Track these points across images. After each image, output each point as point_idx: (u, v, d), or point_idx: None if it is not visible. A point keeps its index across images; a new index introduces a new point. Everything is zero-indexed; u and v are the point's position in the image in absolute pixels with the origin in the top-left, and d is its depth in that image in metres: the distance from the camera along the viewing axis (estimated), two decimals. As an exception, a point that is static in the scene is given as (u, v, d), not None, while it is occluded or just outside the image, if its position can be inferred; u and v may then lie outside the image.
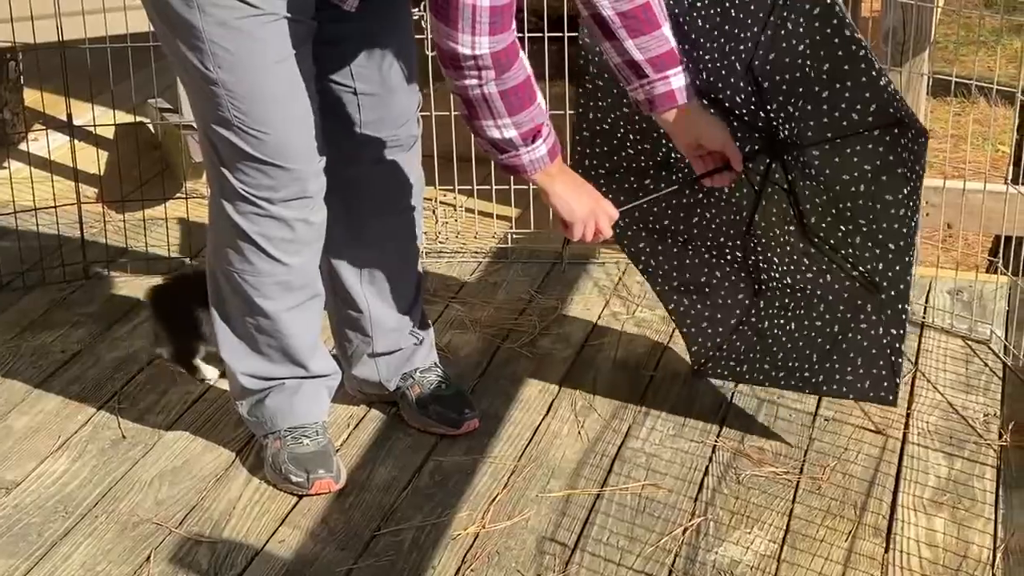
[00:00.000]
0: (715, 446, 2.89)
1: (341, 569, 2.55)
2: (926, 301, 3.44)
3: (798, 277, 2.83)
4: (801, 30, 2.52)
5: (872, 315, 2.72)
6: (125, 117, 4.19)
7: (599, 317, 3.45)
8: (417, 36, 3.55)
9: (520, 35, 3.66)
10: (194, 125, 2.72)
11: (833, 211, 2.66)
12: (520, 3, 3.70)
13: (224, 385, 2.98)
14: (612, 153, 2.97)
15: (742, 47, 2.62)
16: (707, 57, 2.68)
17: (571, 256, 3.76)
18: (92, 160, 4.07)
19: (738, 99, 2.68)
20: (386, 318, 2.92)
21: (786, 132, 2.65)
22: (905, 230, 2.56)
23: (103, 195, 4.07)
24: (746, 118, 2.70)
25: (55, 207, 3.81)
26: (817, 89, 2.53)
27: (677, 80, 2.62)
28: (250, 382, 2.79)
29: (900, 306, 2.63)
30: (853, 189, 2.60)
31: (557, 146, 2.54)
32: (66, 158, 3.82)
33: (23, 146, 4.49)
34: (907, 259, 2.59)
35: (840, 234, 2.68)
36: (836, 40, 2.48)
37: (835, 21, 2.48)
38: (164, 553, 2.60)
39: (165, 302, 3.16)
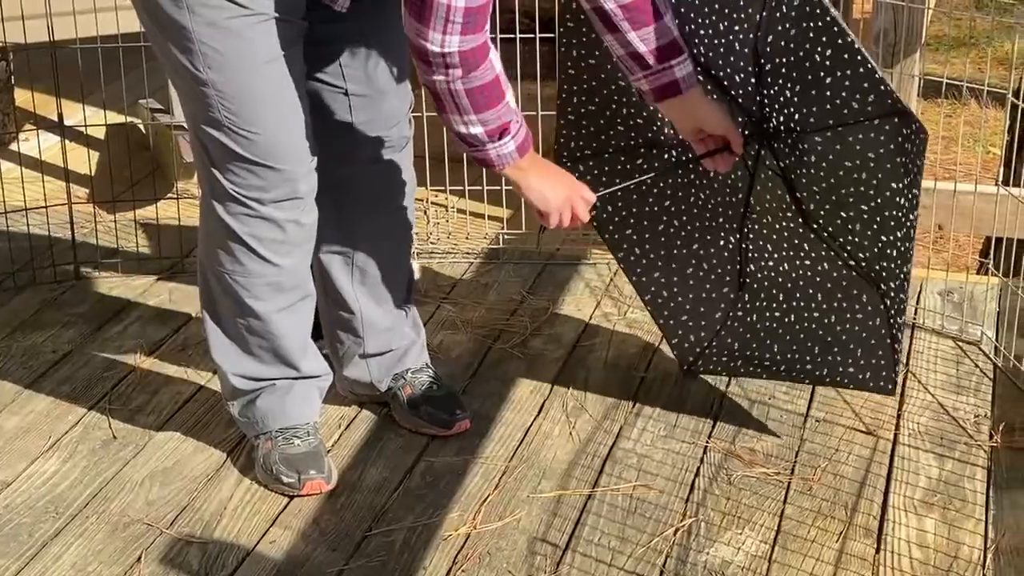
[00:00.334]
0: (706, 447, 2.89)
1: (332, 570, 2.55)
2: (917, 302, 3.44)
3: (796, 264, 2.82)
4: (793, 14, 2.52)
5: (868, 305, 2.72)
6: (116, 117, 4.18)
7: (590, 318, 3.45)
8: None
9: (511, 36, 3.70)
10: (185, 126, 2.72)
11: (833, 198, 2.66)
12: (512, 4, 3.72)
13: (215, 386, 2.98)
14: (599, 134, 2.96)
15: (737, 27, 2.61)
16: (705, 33, 2.67)
17: (562, 256, 3.76)
18: (83, 160, 4.07)
19: (736, 79, 2.68)
20: (377, 319, 2.92)
21: (781, 119, 2.64)
22: (904, 220, 2.56)
23: (94, 195, 4.06)
24: (740, 100, 2.70)
25: (46, 207, 3.80)
26: (822, 75, 2.52)
27: (681, 70, 2.64)
28: (241, 383, 2.79)
29: (899, 296, 2.64)
30: (855, 176, 2.60)
31: (528, 141, 2.55)
32: (57, 158, 3.82)
33: (13, 146, 4.48)
34: (905, 249, 2.59)
35: (839, 222, 2.68)
36: (829, 29, 2.49)
37: (819, 11, 2.48)
38: (155, 553, 2.59)
39: None
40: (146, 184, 4.10)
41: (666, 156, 2.92)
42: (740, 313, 2.96)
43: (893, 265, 2.62)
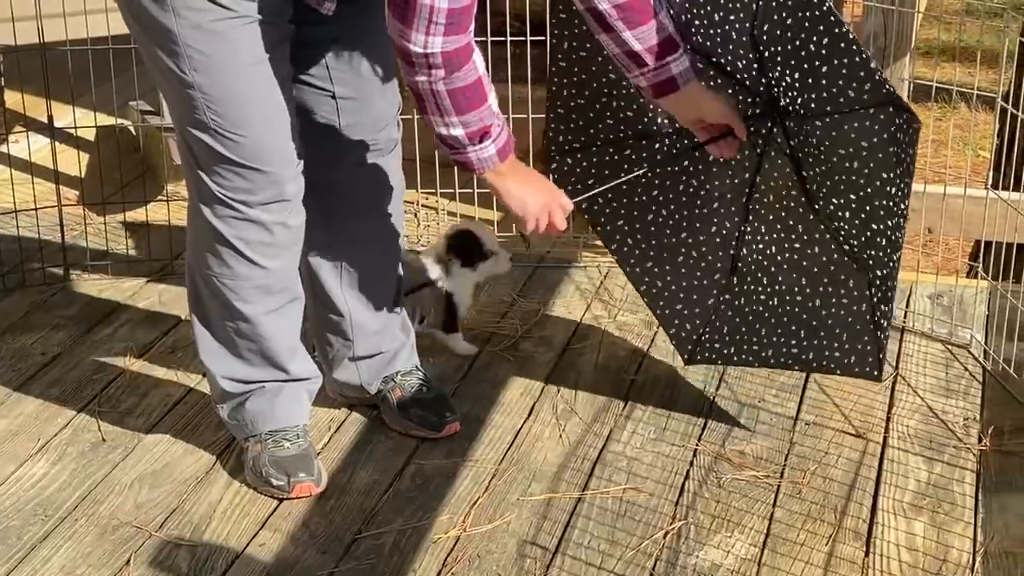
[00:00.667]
0: (696, 450, 2.89)
1: (322, 573, 2.54)
2: (907, 305, 3.45)
3: (785, 246, 2.83)
4: (790, 3, 2.53)
5: (855, 290, 2.73)
6: (106, 119, 4.18)
7: (581, 320, 3.45)
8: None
9: (502, 39, 3.70)
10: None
11: (828, 183, 2.68)
12: (502, 7, 3.73)
13: (205, 388, 2.98)
14: (588, 127, 2.97)
15: (733, 16, 2.61)
16: (701, 23, 2.67)
17: (553, 259, 3.76)
18: (73, 162, 4.06)
19: (739, 64, 2.68)
20: (367, 321, 2.92)
21: (787, 100, 2.65)
22: (895, 208, 2.56)
23: (84, 197, 4.06)
24: (747, 83, 2.71)
25: (35, 209, 3.79)
26: (818, 63, 2.53)
27: (677, 66, 2.64)
28: (230, 385, 2.79)
29: (887, 284, 2.65)
30: (848, 164, 2.61)
31: (509, 146, 2.54)
32: (47, 160, 3.81)
33: (3, 148, 4.47)
34: (896, 238, 2.60)
35: (832, 207, 2.69)
36: (826, 18, 2.49)
37: (815, 0, 2.49)
38: (144, 556, 2.59)
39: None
40: (136, 186, 4.10)
41: (656, 146, 2.92)
42: (729, 297, 2.96)
43: (882, 253, 2.63)
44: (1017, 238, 3.38)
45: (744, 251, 2.91)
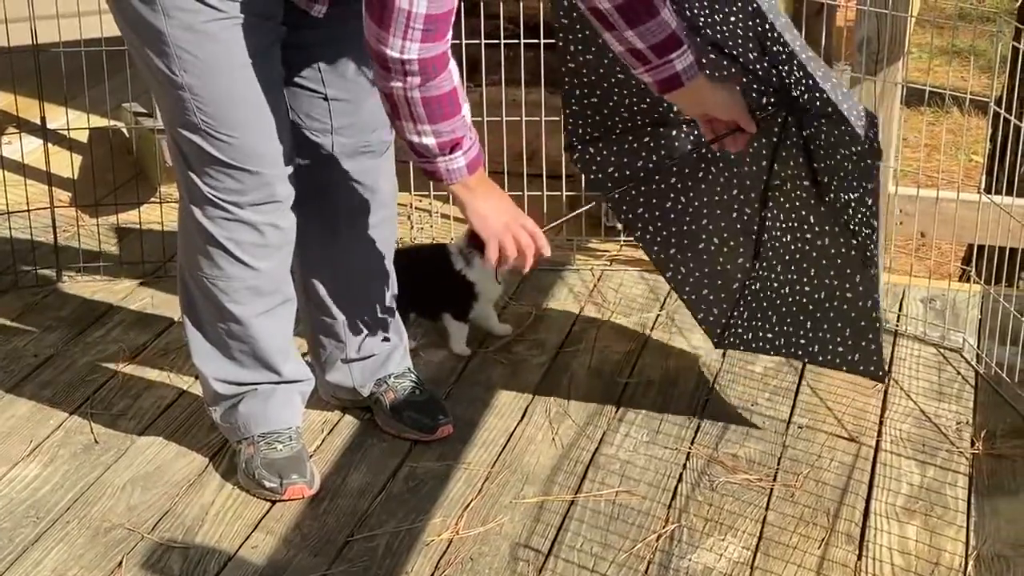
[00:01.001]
0: (689, 453, 2.89)
1: (314, 575, 2.54)
2: (899, 309, 3.45)
3: (798, 236, 2.85)
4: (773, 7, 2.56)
5: (860, 286, 2.75)
6: (99, 121, 4.17)
7: (574, 323, 3.45)
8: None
9: (495, 41, 3.70)
10: (168, 129, 2.72)
11: (837, 177, 2.71)
12: (496, 10, 3.72)
13: (197, 390, 2.97)
14: (605, 120, 3.00)
15: (733, 18, 2.63)
16: (706, 22, 2.69)
17: (546, 262, 3.75)
18: (66, 164, 4.05)
19: (750, 56, 2.71)
20: (360, 324, 2.91)
21: (798, 92, 2.67)
22: (869, 218, 2.62)
23: (76, 199, 4.05)
24: (760, 73, 2.72)
25: (28, 211, 3.79)
26: (813, 66, 2.55)
27: (681, 62, 2.64)
28: (223, 387, 2.79)
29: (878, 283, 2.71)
30: (847, 164, 2.64)
31: (479, 160, 2.54)
32: (39, 162, 3.80)
33: (-4, 149, 4.46)
34: (872, 254, 2.65)
35: (843, 201, 2.72)
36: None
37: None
38: (136, 559, 2.58)
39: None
40: (129, 188, 4.09)
41: (673, 134, 2.96)
42: (753, 284, 3.00)
43: (871, 254, 2.67)
44: (1010, 242, 3.39)
45: (765, 236, 2.93)
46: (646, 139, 2.99)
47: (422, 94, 2.40)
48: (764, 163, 2.85)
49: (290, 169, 2.63)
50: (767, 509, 2.71)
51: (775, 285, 2.94)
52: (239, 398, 2.79)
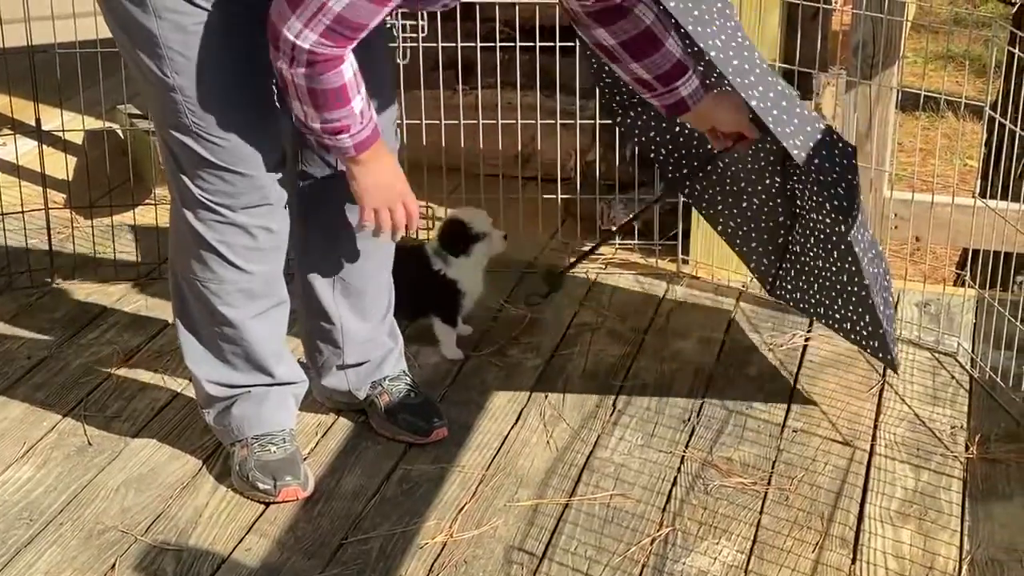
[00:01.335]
0: (683, 456, 2.89)
1: (308, 578, 2.54)
2: (895, 313, 3.45)
3: (822, 215, 2.89)
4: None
5: (862, 273, 2.80)
6: (94, 122, 4.17)
7: (568, 327, 3.45)
8: (391, 45, 3.56)
9: (491, 44, 3.70)
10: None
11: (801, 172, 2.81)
12: (492, 13, 3.72)
13: (191, 393, 2.97)
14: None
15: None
16: (711, 43, 2.73)
17: (541, 266, 3.76)
18: (61, 165, 4.05)
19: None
20: (358, 330, 2.91)
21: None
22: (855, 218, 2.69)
23: (71, 201, 4.05)
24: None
25: (22, 212, 3.79)
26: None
27: (686, 88, 2.73)
28: (216, 390, 2.78)
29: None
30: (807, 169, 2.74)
31: (368, 142, 2.50)
32: (34, 163, 3.80)
33: (-9, 151, 4.46)
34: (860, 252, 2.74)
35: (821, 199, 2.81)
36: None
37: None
38: (129, 561, 2.58)
39: None
40: (124, 189, 4.08)
41: None
42: (791, 240, 3.07)
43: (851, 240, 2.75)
44: (1004, 247, 3.39)
45: (798, 203, 3.00)
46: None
47: (308, 84, 2.38)
48: (779, 146, 2.92)
49: (283, 172, 2.63)
50: (761, 513, 2.71)
51: (810, 257, 3.01)
52: (232, 400, 2.79)
